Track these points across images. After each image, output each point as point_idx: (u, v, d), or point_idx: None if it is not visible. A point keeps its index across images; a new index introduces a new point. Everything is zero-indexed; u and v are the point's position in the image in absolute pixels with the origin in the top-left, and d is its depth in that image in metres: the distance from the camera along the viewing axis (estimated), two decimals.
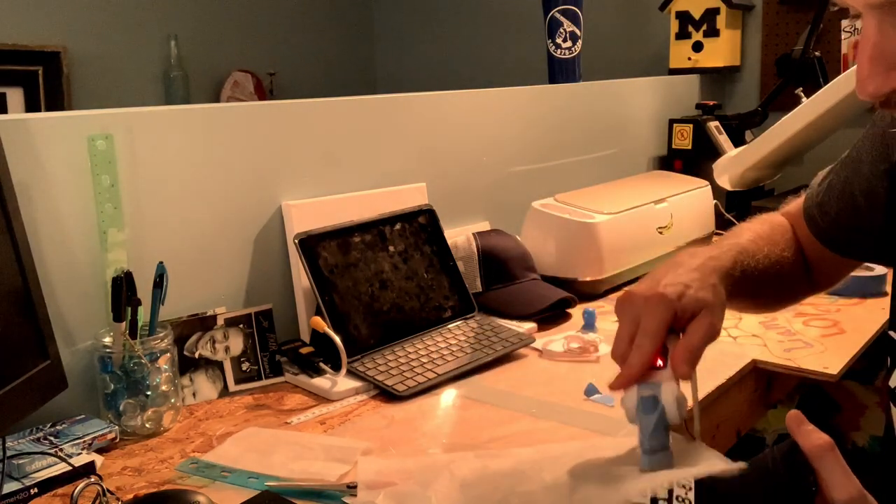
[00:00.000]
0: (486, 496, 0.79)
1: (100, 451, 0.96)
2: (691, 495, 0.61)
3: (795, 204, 0.98)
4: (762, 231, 0.92)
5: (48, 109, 2.43)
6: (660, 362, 0.71)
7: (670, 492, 0.62)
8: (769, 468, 0.62)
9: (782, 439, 0.66)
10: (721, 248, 0.84)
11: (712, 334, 0.72)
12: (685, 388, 0.70)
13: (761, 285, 0.88)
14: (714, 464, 0.63)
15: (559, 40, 2.01)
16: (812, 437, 0.61)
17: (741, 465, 0.61)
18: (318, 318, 1.16)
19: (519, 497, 0.76)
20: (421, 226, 1.35)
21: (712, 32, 2.24)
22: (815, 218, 0.93)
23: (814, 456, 0.60)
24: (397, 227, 1.32)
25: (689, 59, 2.28)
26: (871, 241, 0.88)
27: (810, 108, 1.65)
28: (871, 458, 0.85)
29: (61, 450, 0.91)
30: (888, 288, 1.49)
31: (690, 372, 0.69)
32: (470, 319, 1.33)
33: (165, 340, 1.05)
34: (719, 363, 1.16)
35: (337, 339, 1.14)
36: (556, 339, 1.27)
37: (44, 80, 2.46)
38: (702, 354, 0.71)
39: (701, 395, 1.06)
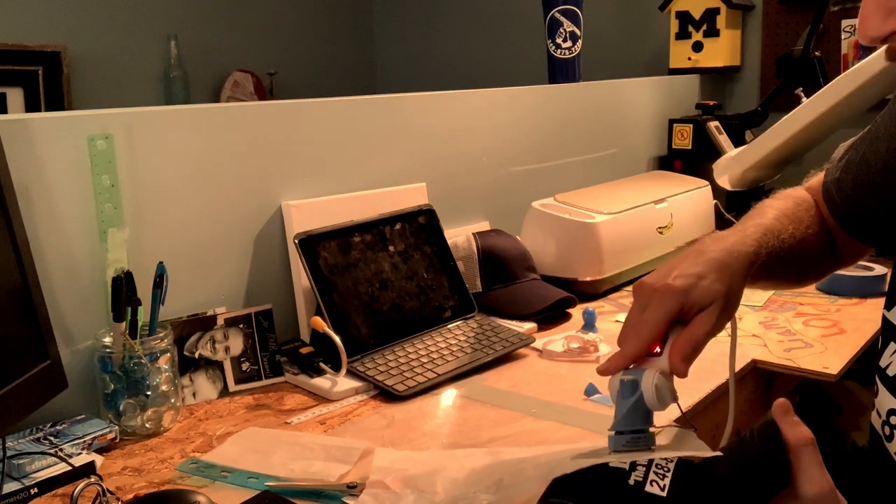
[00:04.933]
0: (485, 478, 0.81)
1: (100, 451, 0.96)
2: (671, 465, 0.61)
3: (818, 178, 0.95)
4: (786, 208, 0.89)
5: (48, 109, 2.43)
6: (658, 349, 0.71)
7: (651, 459, 0.63)
8: (747, 444, 0.63)
9: None
10: (745, 230, 0.81)
11: (717, 328, 0.72)
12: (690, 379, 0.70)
13: (786, 264, 0.86)
14: (693, 450, 0.64)
15: (559, 40, 2.01)
16: (795, 430, 0.61)
17: (718, 453, 0.62)
18: (318, 318, 1.16)
19: (510, 474, 0.78)
20: (421, 226, 1.35)
21: (712, 32, 2.24)
22: (832, 196, 0.90)
23: (793, 447, 0.60)
24: (397, 227, 1.32)
25: (689, 59, 2.27)
26: (886, 224, 0.86)
27: (810, 108, 1.65)
28: (871, 458, 0.85)
29: (61, 450, 0.91)
30: (888, 288, 1.49)
31: (685, 367, 0.69)
32: (470, 319, 1.33)
33: (165, 340, 1.05)
34: (719, 363, 1.16)
35: (337, 339, 1.14)
36: (556, 339, 1.27)
37: (44, 80, 2.46)
38: (702, 348, 0.71)
39: (700, 395, 1.06)
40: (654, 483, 0.60)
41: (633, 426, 0.68)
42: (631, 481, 0.61)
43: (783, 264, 0.85)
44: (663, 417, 0.84)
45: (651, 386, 0.68)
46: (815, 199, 0.95)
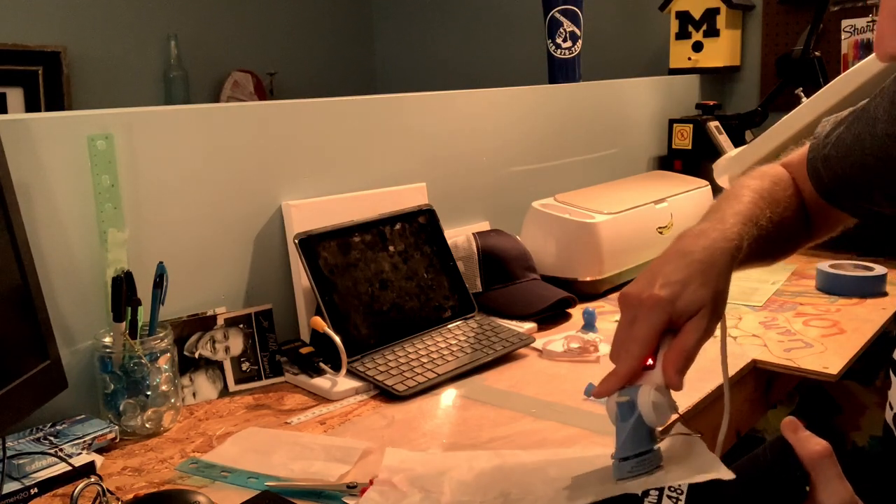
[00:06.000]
0: (492, 485, 0.81)
1: (100, 451, 0.96)
2: (685, 485, 0.61)
3: (798, 153, 0.94)
4: (763, 189, 0.88)
5: (48, 109, 2.44)
6: (650, 361, 0.70)
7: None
8: (760, 462, 0.62)
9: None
10: (725, 222, 0.80)
11: (707, 333, 0.71)
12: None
13: (763, 247, 0.86)
14: (706, 471, 0.63)
15: (559, 40, 2.01)
16: (809, 444, 0.61)
17: (731, 475, 0.61)
18: (318, 318, 1.16)
19: (518, 487, 0.78)
20: (421, 226, 1.35)
21: (712, 32, 2.24)
22: (819, 172, 0.89)
23: (810, 461, 0.60)
24: (397, 227, 1.32)
25: (689, 59, 2.28)
26: (876, 204, 0.85)
27: (810, 108, 1.65)
28: (871, 458, 0.85)
29: (61, 450, 0.91)
30: (888, 288, 1.49)
31: (680, 378, 0.68)
32: (470, 319, 1.33)
33: (165, 340, 1.05)
34: (719, 363, 1.16)
35: (337, 339, 1.14)
36: (556, 339, 1.27)
37: (44, 80, 2.46)
38: (695, 356, 0.70)
39: (700, 395, 1.06)
40: None
41: (638, 449, 0.67)
42: None
43: (760, 247, 0.85)
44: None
45: (648, 404, 0.67)
46: (794, 174, 0.93)
